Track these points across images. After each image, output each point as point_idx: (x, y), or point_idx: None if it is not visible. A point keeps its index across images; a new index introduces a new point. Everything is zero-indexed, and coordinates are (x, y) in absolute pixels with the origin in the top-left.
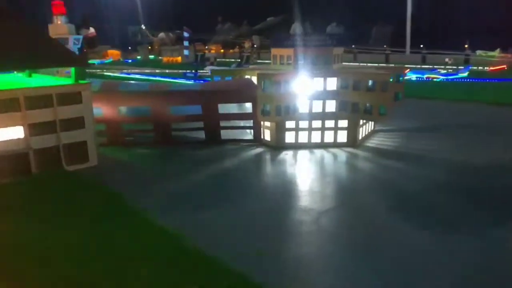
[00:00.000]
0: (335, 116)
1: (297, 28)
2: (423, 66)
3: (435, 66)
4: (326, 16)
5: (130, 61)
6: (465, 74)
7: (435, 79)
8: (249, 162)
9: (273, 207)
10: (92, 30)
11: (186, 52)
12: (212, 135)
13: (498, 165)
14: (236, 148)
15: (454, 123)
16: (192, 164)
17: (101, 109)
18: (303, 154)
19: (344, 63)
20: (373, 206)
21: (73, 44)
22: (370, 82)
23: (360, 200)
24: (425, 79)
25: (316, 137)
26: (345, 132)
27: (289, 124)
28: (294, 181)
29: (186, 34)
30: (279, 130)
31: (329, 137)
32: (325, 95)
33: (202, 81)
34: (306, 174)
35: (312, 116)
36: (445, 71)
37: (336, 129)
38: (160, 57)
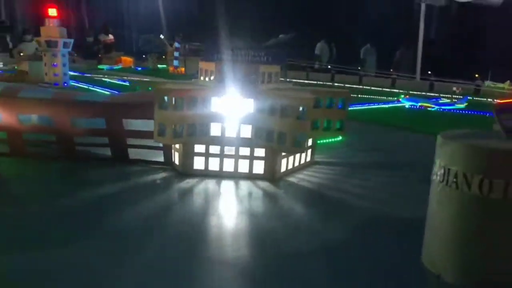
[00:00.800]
0: (250, 144)
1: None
2: (428, 94)
3: (441, 95)
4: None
5: (139, 69)
6: (462, 106)
7: (428, 109)
8: (139, 189)
9: (119, 247)
10: (110, 36)
11: (175, 62)
12: (119, 153)
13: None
14: (139, 171)
15: (419, 161)
16: (77, 184)
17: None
18: (205, 185)
19: (287, 82)
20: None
21: (63, 46)
22: (283, 107)
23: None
24: (418, 107)
25: (229, 166)
26: (262, 162)
27: (199, 148)
28: (157, 218)
29: (177, 45)
30: (185, 155)
31: (243, 166)
32: (239, 119)
33: None
34: (187, 211)
35: (225, 142)
36: (442, 101)
37: (251, 158)
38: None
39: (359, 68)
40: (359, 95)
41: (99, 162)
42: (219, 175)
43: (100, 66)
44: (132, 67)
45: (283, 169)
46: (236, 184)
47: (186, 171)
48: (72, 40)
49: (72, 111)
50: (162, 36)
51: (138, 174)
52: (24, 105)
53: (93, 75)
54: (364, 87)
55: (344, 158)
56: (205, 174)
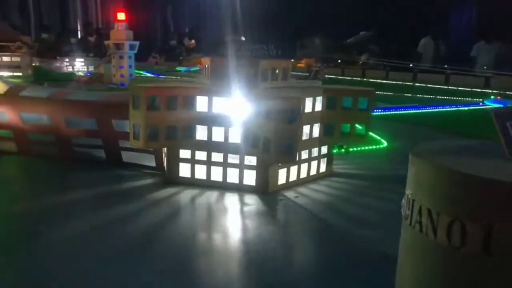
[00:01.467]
0: (239, 150)
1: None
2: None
3: None
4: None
5: None
6: None
7: None
8: (111, 196)
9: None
10: (193, 41)
11: None
12: (113, 156)
13: None
14: (126, 175)
15: None
16: (58, 187)
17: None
18: (187, 195)
19: (294, 80)
20: None
21: (129, 49)
22: (270, 108)
23: None
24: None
25: (216, 175)
26: (253, 172)
27: (184, 154)
28: (106, 229)
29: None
30: (170, 160)
31: (233, 176)
32: (228, 121)
33: None
34: (140, 224)
35: (212, 147)
36: None
37: (241, 167)
38: None
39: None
40: (439, 96)
41: (93, 165)
42: (206, 185)
43: (178, 68)
44: None
45: (281, 181)
46: (218, 197)
47: (172, 178)
48: (137, 43)
49: (66, 110)
50: (243, 38)
51: (120, 179)
52: (24, 104)
53: (167, 77)
54: (450, 87)
55: (376, 170)
56: (192, 182)
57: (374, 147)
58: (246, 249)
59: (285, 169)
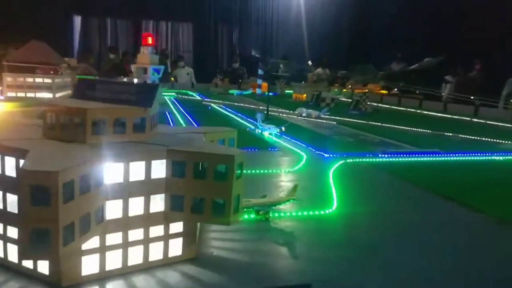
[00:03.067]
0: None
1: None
2: None
3: None
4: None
5: (270, 94)
6: None
7: None
8: None
9: None
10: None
11: (258, 91)
12: None
13: None
14: None
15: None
16: None
17: None
18: None
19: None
20: None
21: (151, 73)
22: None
23: None
24: None
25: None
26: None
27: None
28: None
29: (260, 72)
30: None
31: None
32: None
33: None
34: None
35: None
36: None
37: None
38: None
39: None
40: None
41: None
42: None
43: (230, 91)
44: (265, 92)
45: (90, 269)
46: None
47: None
48: (162, 67)
49: None
50: (310, 63)
51: None
52: None
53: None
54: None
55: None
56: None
57: (316, 212)
58: None
59: (96, 255)
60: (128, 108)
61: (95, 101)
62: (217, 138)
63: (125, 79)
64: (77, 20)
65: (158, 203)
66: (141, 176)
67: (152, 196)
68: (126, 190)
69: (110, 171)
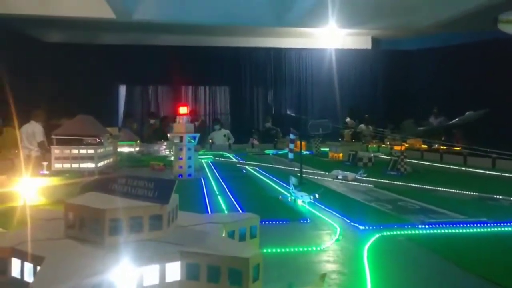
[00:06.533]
0: None
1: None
2: None
3: None
4: None
5: (307, 153)
6: None
7: None
8: None
9: None
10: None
11: (290, 155)
12: None
13: None
14: None
15: None
16: None
17: None
18: None
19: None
20: None
21: (187, 141)
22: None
23: None
24: None
25: None
26: None
27: None
28: None
29: (292, 136)
30: None
31: None
32: None
33: None
34: None
35: None
36: None
37: None
38: None
39: None
40: None
41: None
42: None
43: (266, 151)
44: (302, 151)
45: None
46: None
47: None
48: (197, 135)
49: None
50: (348, 119)
51: None
52: None
53: (244, 162)
54: None
55: None
56: None
57: None
58: None
59: None
60: (145, 206)
61: (113, 195)
62: (238, 227)
63: (165, 144)
64: (122, 90)
65: None
66: (156, 280)
67: None
68: None
69: (124, 277)
